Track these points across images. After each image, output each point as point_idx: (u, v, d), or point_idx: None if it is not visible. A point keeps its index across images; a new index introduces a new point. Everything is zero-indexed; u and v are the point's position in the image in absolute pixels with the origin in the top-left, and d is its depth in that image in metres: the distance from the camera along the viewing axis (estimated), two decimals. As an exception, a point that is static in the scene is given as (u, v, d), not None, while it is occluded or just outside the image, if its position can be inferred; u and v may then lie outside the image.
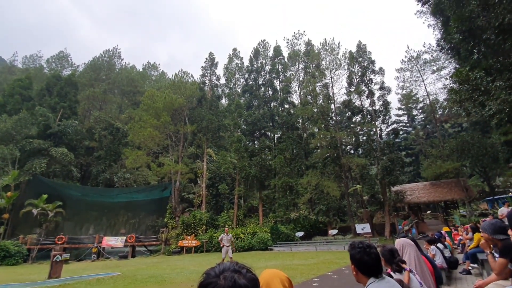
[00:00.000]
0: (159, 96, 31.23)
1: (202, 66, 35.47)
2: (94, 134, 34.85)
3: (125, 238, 24.42)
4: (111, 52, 49.12)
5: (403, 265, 2.72)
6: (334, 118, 28.30)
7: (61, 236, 23.05)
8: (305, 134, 32.42)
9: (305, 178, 25.34)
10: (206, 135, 31.71)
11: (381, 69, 26.52)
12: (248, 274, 0.90)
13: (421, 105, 40.01)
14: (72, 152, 30.40)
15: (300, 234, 23.06)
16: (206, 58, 35.61)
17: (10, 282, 10.53)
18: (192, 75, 37.98)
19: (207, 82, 35.45)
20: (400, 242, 3.32)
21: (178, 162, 30.51)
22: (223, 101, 38.35)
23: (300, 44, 35.54)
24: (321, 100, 27.77)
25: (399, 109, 43.95)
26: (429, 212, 29.75)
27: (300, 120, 32.26)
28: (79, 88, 38.27)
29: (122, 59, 51.19)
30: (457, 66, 20.39)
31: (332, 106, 28.05)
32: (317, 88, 28.05)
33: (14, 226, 24.55)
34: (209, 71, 35.46)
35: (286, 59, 34.23)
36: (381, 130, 26.35)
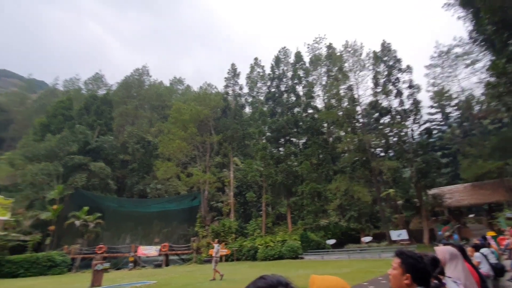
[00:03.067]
0: (185, 108, 32.46)
1: (225, 77, 36.42)
2: (127, 148, 36.90)
3: (159, 247, 25.31)
4: (140, 70, 52.17)
5: (442, 278, 2.58)
6: (361, 121, 27.46)
7: (101, 246, 24.44)
8: (331, 139, 31.77)
9: (333, 184, 24.71)
10: (232, 144, 32.25)
11: (408, 67, 25.45)
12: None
13: (455, 101, 37.50)
14: (109, 166, 32.38)
15: (331, 241, 22.39)
16: (229, 69, 36.52)
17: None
18: (216, 87, 39.14)
19: (230, 92, 36.24)
20: (443, 251, 3.02)
21: (206, 172, 31.26)
22: (247, 109, 38.89)
23: (321, 48, 35.26)
24: (346, 103, 27.14)
25: (431, 107, 41.56)
26: (471, 216, 27.47)
27: (325, 125, 31.71)
28: (113, 106, 40.93)
29: (151, 76, 54.16)
30: (493, 58, 18.97)
31: (358, 108, 27.27)
32: (341, 91, 27.50)
33: (59, 237, 26.48)
34: (232, 82, 36.28)
35: (307, 64, 34.05)
36: (412, 130, 25.09)
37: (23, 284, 14.55)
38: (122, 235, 30.82)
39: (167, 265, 24.69)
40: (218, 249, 13.19)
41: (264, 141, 30.49)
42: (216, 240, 14.75)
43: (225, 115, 35.20)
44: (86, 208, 26.38)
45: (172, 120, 33.32)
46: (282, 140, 30.91)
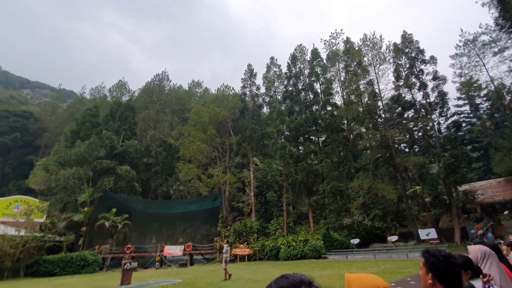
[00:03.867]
0: (204, 111, 33.07)
1: (242, 78, 36.67)
2: (151, 152, 38.19)
3: (183, 247, 25.97)
4: (160, 76, 53.79)
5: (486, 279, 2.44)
6: (383, 116, 26.60)
7: (129, 246, 25.49)
8: (351, 136, 31.02)
9: (355, 182, 24.11)
10: (251, 144, 32.42)
11: (432, 57, 24.31)
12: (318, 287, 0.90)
13: (484, 92, 35.27)
14: (134, 169, 33.69)
15: (355, 241, 21.86)
16: (245, 70, 36.74)
17: None
18: (233, 88, 39.44)
19: (247, 93, 36.44)
20: (476, 250, 2.82)
21: (226, 173, 31.66)
22: (265, 109, 38.91)
23: (338, 43, 34.51)
24: (367, 98, 26.40)
25: (459, 98, 39.36)
26: (506, 212, 25.68)
27: (345, 121, 31.00)
28: (136, 111, 42.54)
29: (170, 81, 55.66)
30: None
31: (380, 103, 26.43)
32: (360, 86, 26.78)
33: (90, 237, 27.92)
34: (249, 82, 36.46)
35: (325, 61, 33.48)
36: (439, 124, 23.96)
37: (59, 283, 15.51)
38: (148, 235, 31.93)
39: (191, 264, 25.28)
40: (227, 250, 13.56)
41: (282, 140, 30.37)
42: (226, 240, 15.08)
43: (243, 115, 35.44)
44: (114, 209, 27.62)
45: (191, 123, 34.06)
46: (301, 138, 30.62)
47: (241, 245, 24.98)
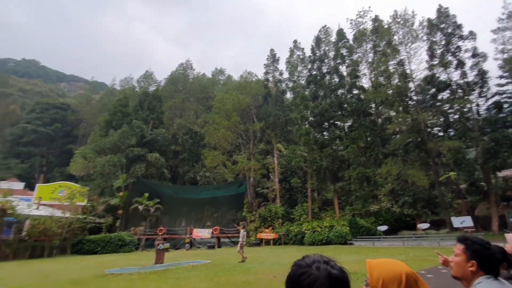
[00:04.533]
0: (227, 98, 33.35)
1: (264, 64, 36.19)
2: (178, 139, 39.55)
3: (211, 230, 27.11)
4: (184, 65, 54.71)
5: None
6: (414, 98, 25.10)
7: (161, 228, 27.09)
8: (379, 120, 29.76)
9: (383, 168, 23.32)
10: (274, 131, 32.34)
11: (471, 33, 22.27)
12: (337, 265, 0.90)
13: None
14: (163, 156, 35.22)
15: (383, 228, 21.42)
16: (268, 55, 36.16)
17: (127, 266, 13.01)
18: (256, 74, 39.27)
19: (270, 78, 36.01)
20: None
21: (250, 159, 32.05)
22: (288, 95, 38.32)
23: (365, 22, 32.58)
24: (397, 80, 24.98)
25: (501, 77, 35.94)
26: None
27: (373, 105, 29.73)
28: (162, 101, 43.91)
29: (194, 69, 56.48)
30: None
31: (411, 85, 24.92)
32: (390, 67, 25.34)
33: (126, 220, 30.01)
34: (271, 68, 35.94)
35: (351, 42, 31.88)
36: (477, 105, 22.18)
37: (101, 260, 17.00)
38: (178, 218, 33.63)
39: (219, 246, 26.38)
40: (244, 234, 14.05)
41: (307, 126, 29.89)
42: (242, 226, 15.64)
43: (266, 102, 35.24)
44: (146, 194, 29.31)
45: (215, 111, 34.58)
46: (326, 124, 29.93)
47: (266, 230, 25.52)
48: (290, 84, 35.23)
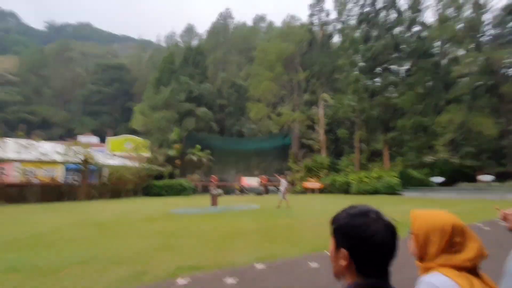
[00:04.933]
0: (270, 48, 32.02)
1: (309, 4, 32.95)
2: (222, 93, 40.46)
3: (258, 178, 28.96)
4: (224, 14, 52.76)
5: None
6: (489, 33, 20.93)
7: (213, 176, 29.76)
8: (444, 61, 25.93)
9: (444, 116, 21.12)
10: (320, 80, 30.78)
11: None
12: (387, 216, 0.84)
13: None
14: (210, 110, 36.85)
15: (438, 179, 20.32)
16: (313, -6, 32.61)
17: (188, 207, 15.03)
18: (299, 18, 36.13)
19: (316, 21, 33.03)
20: None
21: (295, 111, 31.68)
22: (335, 39, 35.08)
23: None
24: (468, 11, 20.80)
25: None
26: None
27: (437, 44, 25.74)
28: (205, 55, 44.11)
29: (234, 18, 54.30)
30: None
31: (486, 17, 20.60)
32: (463, -5, 21.01)
33: (183, 168, 33.50)
34: (317, 8, 32.68)
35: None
36: None
37: (167, 201, 19.83)
38: (227, 168, 36.34)
39: (266, 193, 28.33)
40: (284, 184, 14.75)
41: (356, 73, 27.67)
42: (282, 175, 16.24)
43: (311, 49, 33.00)
44: (198, 146, 31.81)
45: (258, 62, 33.79)
46: (379, 69, 27.26)
47: (312, 179, 26.26)
48: (338, 26, 31.95)
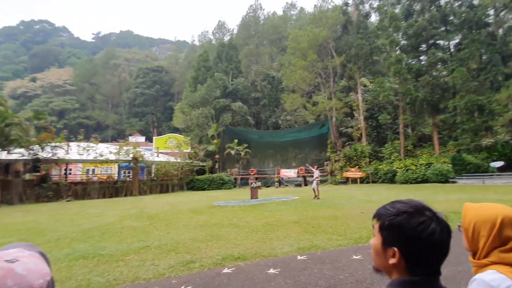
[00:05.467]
0: (302, 35, 31.11)
1: (342, -16, 31.15)
2: (256, 86, 40.59)
3: (296, 170, 28.79)
4: (254, 6, 52.43)
5: None
6: None
7: (252, 169, 30.37)
8: (501, 30, 22.79)
9: (504, 92, 18.74)
10: (357, 64, 29.18)
11: None
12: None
13: None
14: (245, 104, 37.33)
15: (497, 164, 18.24)
16: (346, -28, 30.73)
17: (229, 200, 15.60)
18: (332, 0, 34.46)
19: (350, 1, 31.15)
20: None
21: (331, 98, 30.59)
22: (373, 18, 32.83)
23: None
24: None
25: None
26: None
27: (492, 12, 22.67)
28: (238, 49, 44.53)
29: (264, 9, 53.73)
30: None
31: None
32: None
33: (223, 163, 34.68)
34: (351, -13, 30.75)
35: None
36: None
37: (209, 194, 20.82)
38: (265, 160, 36.69)
39: (305, 185, 28.08)
40: (318, 174, 14.84)
41: (397, 52, 25.71)
42: (316, 166, 16.18)
43: (346, 31, 31.36)
44: (236, 140, 32.57)
45: (290, 51, 33.13)
46: (424, 46, 25.01)
47: (352, 169, 25.35)
48: (375, 3, 29.79)
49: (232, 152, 32.11)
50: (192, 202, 15.00)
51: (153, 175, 26.22)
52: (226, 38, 51.05)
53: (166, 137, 38.39)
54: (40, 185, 20.02)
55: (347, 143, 30.45)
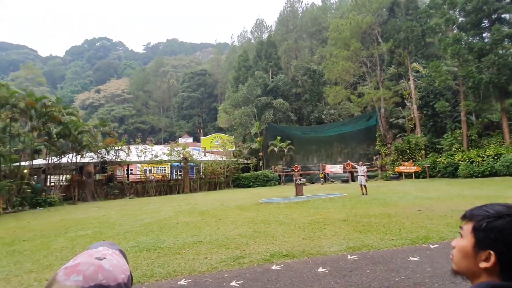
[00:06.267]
0: (343, 24, 29.66)
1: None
2: (297, 82, 39.97)
3: (342, 165, 27.70)
4: (291, 0, 51.47)
5: None
6: None
7: (296, 165, 30.11)
8: None
9: None
10: (407, 48, 26.82)
11: None
12: None
13: None
14: (286, 101, 37.05)
15: None
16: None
17: (274, 197, 15.72)
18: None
19: (396, -19, 28.68)
20: None
21: (379, 88, 28.66)
22: (424, -4, 29.75)
23: None
24: None
25: None
26: None
27: None
28: (277, 46, 44.30)
29: (302, 2, 52.37)
30: None
31: None
32: None
33: (266, 160, 34.99)
34: (397, -34, 28.28)
35: None
36: None
37: (254, 191, 21.25)
38: (309, 156, 36.01)
39: (353, 180, 26.87)
40: (363, 170, 14.42)
41: (455, 31, 22.95)
42: (361, 162, 15.78)
43: (393, 14, 29.02)
44: (278, 137, 32.59)
45: (331, 42, 31.82)
46: (486, 22, 21.90)
47: (406, 163, 23.49)
48: (427, -20, 26.94)
49: (276, 149, 32.22)
50: (238, 199, 15.50)
51: (201, 173, 27.73)
52: (265, 36, 51.13)
53: (212, 137, 40.16)
54: (108, 184, 22.69)
55: (398, 135, 28.28)
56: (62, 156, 20.82)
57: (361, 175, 14.27)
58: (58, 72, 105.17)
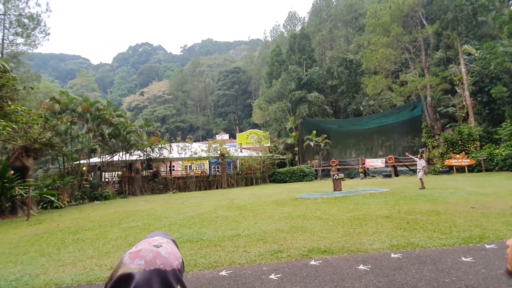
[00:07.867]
0: (382, 9, 27.82)
1: None
2: (333, 73, 38.57)
3: (384, 159, 26.23)
4: (324, -12, 49.62)
5: None
6: None
7: (333, 160, 29.27)
8: None
9: None
10: (457, 29, 24.32)
11: None
12: None
13: None
14: (322, 94, 36.03)
15: None
16: None
17: (311, 192, 15.50)
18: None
19: (443, -44, 25.95)
20: None
21: (424, 75, 26.45)
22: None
23: None
24: None
25: None
26: None
27: None
28: (310, 38, 43.14)
29: (336, -11, 50.16)
30: None
31: None
32: None
33: (302, 155, 34.52)
34: None
35: None
36: None
37: (291, 186, 21.17)
38: (347, 150, 34.71)
39: (396, 175, 25.33)
40: (420, 163, 13.91)
41: (516, 6, 20.21)
42: (419, 155, 14.83)
43: (440, -7, 26.35)
44: (314, 132, 31.92)
45: (369, 29, 30.03)
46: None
47: (457, 155, 21.47)
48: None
49: (311, 143, 31.63)
50: (275, 194, 15.59)
51: (238, 169, 28.39)
52: (298, 28, 50.10)
53: (247, 133, 40.79)
54: (153, 179, 24.42)
55: (448, 126, 25.91)
56: (114, 154, 22.92)
57: (418, 169, 13.90)
58: (108, 78, 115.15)
